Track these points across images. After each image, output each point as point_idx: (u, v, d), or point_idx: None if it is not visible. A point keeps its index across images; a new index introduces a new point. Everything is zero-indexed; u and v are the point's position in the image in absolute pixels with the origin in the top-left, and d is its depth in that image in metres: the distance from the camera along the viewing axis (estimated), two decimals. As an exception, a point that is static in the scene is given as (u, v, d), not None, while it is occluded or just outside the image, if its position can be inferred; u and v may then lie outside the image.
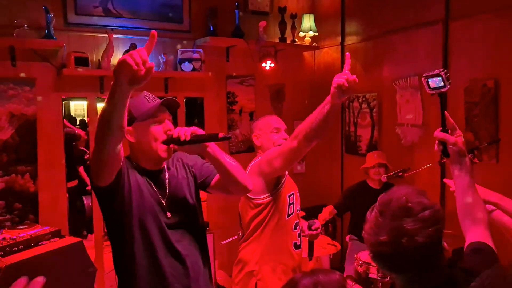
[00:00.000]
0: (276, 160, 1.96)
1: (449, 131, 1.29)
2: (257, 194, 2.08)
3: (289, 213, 2.14)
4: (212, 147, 1.52)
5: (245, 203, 2.15)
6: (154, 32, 1.22)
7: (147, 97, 1.60)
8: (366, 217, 1.09)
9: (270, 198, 2.09)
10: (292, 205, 2.16)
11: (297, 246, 2.19)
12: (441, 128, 1.30)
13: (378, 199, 1.10)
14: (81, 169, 3.65)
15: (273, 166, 1.99)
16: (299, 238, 2.21)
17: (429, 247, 1.01)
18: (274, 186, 2.10)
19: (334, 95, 1.65)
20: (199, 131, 1.48)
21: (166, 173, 1.65)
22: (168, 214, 1.59)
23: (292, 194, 2.18)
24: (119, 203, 1.54)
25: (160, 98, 4.12)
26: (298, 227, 2.22)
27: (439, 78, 1.29)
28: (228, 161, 1.57)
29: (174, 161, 1.70)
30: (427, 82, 1.33)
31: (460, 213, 1.25)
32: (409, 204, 1.03)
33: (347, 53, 1.66)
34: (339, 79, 1.59)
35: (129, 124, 1.56)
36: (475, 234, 1.19)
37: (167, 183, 1.63)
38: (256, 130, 2.27)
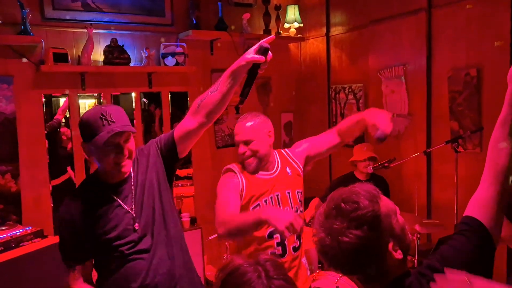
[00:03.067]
0: None
1: None
2: None
3: None
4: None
5: None
6: None
7: (102, 117, 1.49)
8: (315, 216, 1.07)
9: None
10: None
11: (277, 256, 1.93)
12: None
13: (327, 198, 1.07)
14: (69, 168, 3.60)
15: None
16: (280, 247, 1.95)
17: (357, 248, 0.96)
18: None
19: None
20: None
21: (132, 180, 1.62)
22: (136, 225, 1.57)
23: (258, 204, 1.92)
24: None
25: (144, 94, 3.99)
26: (276, 235, 1.93)
27: None
28: None
29: (135, 162, 1.65)
30: None
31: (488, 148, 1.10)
32: (342, 204, 0.99)
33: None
34: None
35: (86, 141, 1.53)
36: (479, 195, 1.05)
37: (133, 191, 1.60)
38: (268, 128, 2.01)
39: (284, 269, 1.01)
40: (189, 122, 1.60)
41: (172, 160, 1.66)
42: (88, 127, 1.50)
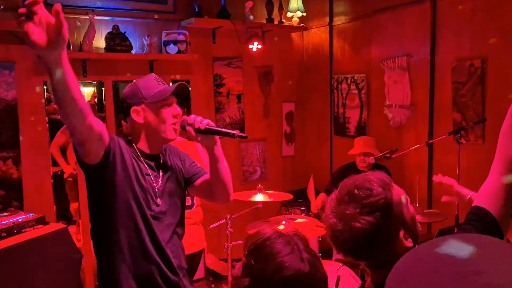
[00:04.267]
0: None
1: None
2: None
3: None
4: (219, 147, 1.60)
5: None
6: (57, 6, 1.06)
7: (157, 79, 1.63)
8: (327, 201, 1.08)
9: None
10: None
11: None
12: None
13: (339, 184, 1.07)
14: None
15: None
16: None
17: (369, 234, 0.96)
18: None
19: None
20: (212, 124, 1.57)
21: (161, 159, 1.67)
22: (158, 200, 1.60)
23: None
24: (108, 182, 1.50)
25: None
26: None
27: None
28: (226, 165, 1.63)
29: (167, 151, 1.72)
30: None
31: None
32: (355, 191, 1.00)
33: None
34: None
35: (138, 104, 1.59)
36: (488, 185, 1.03)
37: (161, 169, 1.65)
38: None
39: (308, 244, 1.05)
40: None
41: (184, 185, 1.75)
42: (145, 87, 1.60)
